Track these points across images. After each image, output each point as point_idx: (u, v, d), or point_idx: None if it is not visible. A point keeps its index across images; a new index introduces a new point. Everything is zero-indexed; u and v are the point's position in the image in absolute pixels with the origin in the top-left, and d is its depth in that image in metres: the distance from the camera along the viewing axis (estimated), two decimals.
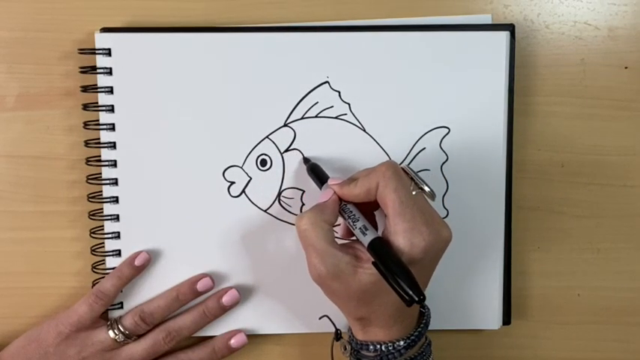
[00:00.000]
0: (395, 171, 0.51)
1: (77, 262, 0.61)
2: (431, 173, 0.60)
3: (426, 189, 0.51)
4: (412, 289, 0.46)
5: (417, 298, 0.46)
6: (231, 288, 0.60)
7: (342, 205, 0.53)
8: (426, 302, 0.52)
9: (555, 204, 0.63)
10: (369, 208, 0.54)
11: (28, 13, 0.60)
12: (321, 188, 0.55)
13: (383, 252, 0.48)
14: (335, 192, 0.53)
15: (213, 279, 0.59)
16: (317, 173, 0.57)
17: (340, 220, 0.54)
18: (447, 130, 0.60)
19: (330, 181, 0.54)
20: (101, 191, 0.59)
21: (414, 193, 0.51)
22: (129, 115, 0.59)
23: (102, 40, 0.58)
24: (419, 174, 0.52)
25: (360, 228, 0.51)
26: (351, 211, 0.52)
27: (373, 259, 0.49)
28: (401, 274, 0.47)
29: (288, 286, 0.60)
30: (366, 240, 0.50)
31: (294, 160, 0.60)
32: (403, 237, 0.49)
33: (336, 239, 0.52)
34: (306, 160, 0.59)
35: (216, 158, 0.59)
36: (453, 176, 0.60)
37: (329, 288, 0.51)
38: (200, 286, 0.59)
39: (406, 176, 0.52)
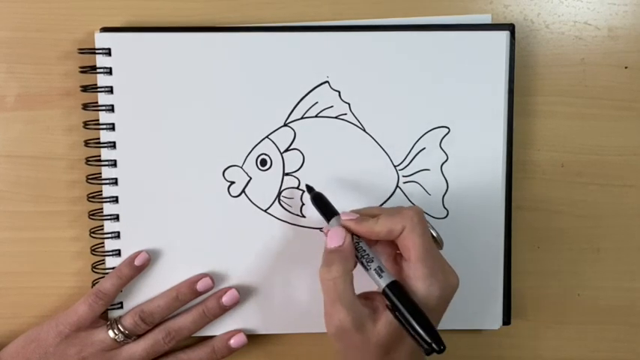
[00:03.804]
0: (421, 217, 0.51)
1: (77, 262, 0.61)
2: (431, 173, 0.60)
3: (434, 234, 0.52)
4: (432, 337, 0.46)
5: (437, 348, 0.45)
6: (231, 288, 0.60)
7: (355, 242, 0.52)
8: None
9: (555, 204, 0.63)
10: (371, 244, 0.53)
11: (28, 13, 0.60)
12: (328, 221, 0.54)
13: (401, 296, 0.48)
14: (349, 228, 0.52)
15: (213, 279, 0.59)
16: (322, 204, 0.55)
17: None
18: (447, 130, 0.60)
19: (343, 217, 0.52)
20: (101, 191, 0.59)
21: None
22: (129, 115, 0.59)
23: (102, 40, 0.58)
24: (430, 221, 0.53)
25: (375, 269, 0.50)
26: (365, 250, 0.51)
27: (388, 304, 0.48)
28: (420, 321, 0.46)
29: (288, 286, 0.60)
30: (382, 282, 0.49)
31: (294, 160, 0.60)
32: (422, 283, 0.49)
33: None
34: (309, 189, 0.57)
35: (216, 158, 0.59)
36: (453, 176, 0.60)
37: (350, 341, 0.50)
38: (200, 286, 0.59)
39: None
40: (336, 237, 0.51)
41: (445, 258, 0.52)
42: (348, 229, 0.52)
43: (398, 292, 0.48)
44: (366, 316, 0.50)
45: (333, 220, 0.53)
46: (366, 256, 0.51)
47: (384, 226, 0.51)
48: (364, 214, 0.53)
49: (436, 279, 0.49)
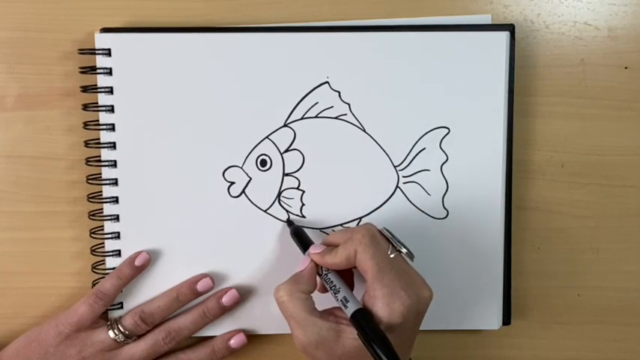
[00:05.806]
0: (372, 237, 0.51)
1: (77, 262, 0.61)
2: (431, 173, 0.60)
3: (404, 250, 0.52)
4: None
5: None
6: (231, 288, 0.60)
7: (323, 274, 0.53)
8: None
9: (555, 204, 0.63)
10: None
11: (28, 13, 0.60)
12: (304, 252, 0.56)
13: (364, 324, 0.48)
14: (313, 260, 0.54)
15: (213, 279, 0.59)
16: (300, 238, 0.57)
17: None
18: (447, 130, 0.60)
19: (311, 250, 0.54)
20: (101, 191, 0.59)
21: (392, 256, 0.51)
22: (129, 115, 0.59)
23: (102, 41, 0.58)
24: (396, 235, 0.53)
25: (341, 300, 0.51)
26: (332, 282, 0.52)
27: (357, 331, 0.49)
28: (381, 347, 0.47)
29: None
30: (348, 312, 0.50)
31: (294, 160, 0.60)
32: (382, 303, 0.49)
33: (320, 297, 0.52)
34: (289, 223, 0.59)
35: (216, 158, 0.59)
36: (452, 176, 0.60)
37: (314, 357, 0.51)
38: (200, 286, 0.59)
39: (383, 239, 0.52)
40: (302, 264, 0.54)
41: (417, 270, 0.52)
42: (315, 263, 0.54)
43: (361, 319, 0.49)
44: (326, 330, 0.50)
45: (307, 252, 0.55)
46: (333, 287, 0.52)
47: (342, 255, 0.52)
48: (330, 243, 0.54)
49: (397, 296, 0.49)
